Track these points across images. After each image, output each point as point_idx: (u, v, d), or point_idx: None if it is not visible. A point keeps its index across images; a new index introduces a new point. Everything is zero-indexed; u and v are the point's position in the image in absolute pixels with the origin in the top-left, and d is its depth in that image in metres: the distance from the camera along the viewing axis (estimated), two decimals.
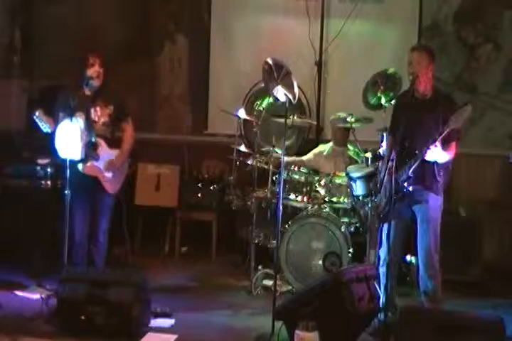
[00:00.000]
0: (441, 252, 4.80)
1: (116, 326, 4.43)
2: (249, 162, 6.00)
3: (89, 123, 5.28)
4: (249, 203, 6.09)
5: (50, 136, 5.07)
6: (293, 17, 7.14)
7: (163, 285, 5.65)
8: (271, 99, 6.35)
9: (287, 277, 5.63)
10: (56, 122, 5.10)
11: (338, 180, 5.77)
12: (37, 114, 5.06)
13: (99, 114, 5.35)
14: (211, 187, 6.81)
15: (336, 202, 5.80)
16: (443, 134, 4.41)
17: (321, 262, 5.56)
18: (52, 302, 4.78)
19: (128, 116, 5.53)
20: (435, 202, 4.71)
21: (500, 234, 6.72)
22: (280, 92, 4.91)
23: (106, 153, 5.34)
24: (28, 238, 5.89)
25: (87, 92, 5.34)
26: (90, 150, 5.23)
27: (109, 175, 5.36)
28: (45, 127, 5.08)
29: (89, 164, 5.24)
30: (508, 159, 6.16)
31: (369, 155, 5.58)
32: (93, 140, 5.27)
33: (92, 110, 5.33)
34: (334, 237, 5.56)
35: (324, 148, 6.39)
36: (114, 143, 5.42)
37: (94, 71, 5.28)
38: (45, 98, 5.35)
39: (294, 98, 5.17)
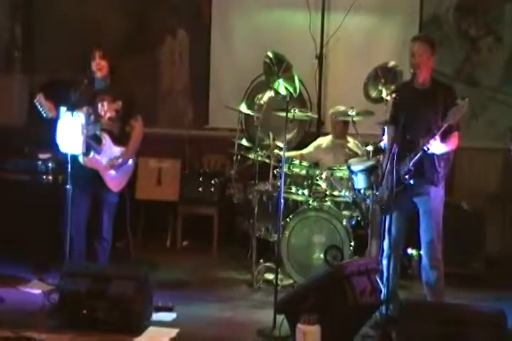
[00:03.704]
0: (444, 245, 4.80)
1: (117, 320, 4.43)
2: (250, 156, 6.01)
3: (95, 117, 5.28)
4: (250, 197, 6.10)
5: (52, 126, 5.05)
6: (293, 10, 7.13)
7: (164, 279, 5.65)
8: (272, 93, 6.34)
9: (289, 271, 5.63)
10: (58, 116, 5.09)
11: (339, 174, 5.77)
12: (37, 98, 5.05)
13: (106, 109, 5.33)
14: (212, 181, 6.81)
15: (337, 196, 5.80)
16: (441, 129, 4.41)
17: (322, 256, 5.56)
18: (54, 297, 4.77)
19: (137, 113, 5.48)
20: (437, 194, 4.71)
21: (502, 227, 6.72)
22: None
23: (109, 148, 5.32)
24: (30, 233, 5.89)
25: (96, 86, 5.34)
26: (93, 142, 5.21)
27: (112, 172, 5.34)
28: (45, 112, 5.06)
29: (90, 156, 5.23)
30: (510, 152, 6.16)
31: (370, 148, 5.58)
32: (97, 133, 5.27)
33: (99, 104, 5.32)
34: (335, 231, 5.56)
35: (323, 141, 6.39)
36: (122, 139, 5.40)
37: (95, 64, 5.29)
38: (47, 93, 5.33)
39: (295, 91, 5.17)
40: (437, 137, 4.43)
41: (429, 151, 4.50)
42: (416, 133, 4.59)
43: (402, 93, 4.79)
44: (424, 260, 4.79)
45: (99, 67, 5.30)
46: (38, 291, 5.21)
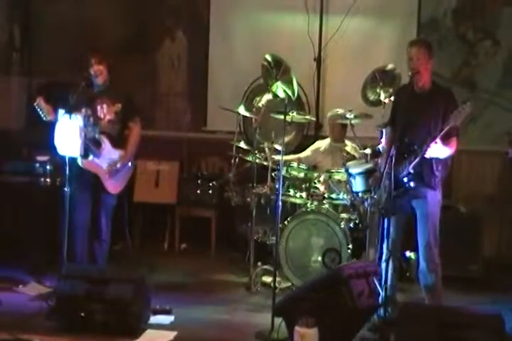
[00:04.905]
0: (442, 248, 4.80)
1: (115, 323, 4.42)
2: (248, 158, 6.01)
3: (95, 120, 5.28)
4: (248, 200, 6.10)
5: (50, 129, 5.05)
6: (292, 13, 7.14)
7: (162, 282, 5.65)
8: (270, 96, 6.35)
9: (286, 273, 5.63)
10: (56, 119, 5.09)
11: (337, 176, 5.77)
12: (37, 101, 5.06)
13: (105, 111, 5.34)
14: (210, 184, 6.81)
15: (335, 199, 5.80)
16: (443, 131, 4.40)
17: (320, 258, 5.56)
18: (51, 299, 4.77)
19: (136, 116, 5.50)
20: (434, 197, 4.71)
21: (500, 230, 6.73)
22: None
23: (108, 151, 5.32)
24: (28, 235, 5.89)
25: (94, 90, 5.36)
26: (92, 146, 5.21)
27: (111, 175, 5.34)
28: (44, 115, 5.07)
29: (89, 159, 5.23)
30: (507, 155, 6.17)
31: (368, 151, 5.59)
32: (96, 136, 5.27)
33: (98, 107, 5.33)
34: (333, 233, 5.56)
35: (321, 144, 6.39)
36: (120, 141, 5.40)
37: (93, 70, 5.31)
38: (45, 95, 5.34)
39: (293, 94, 5.17)
40: (438, 140, 4.43)
41: (429, 155, 4.50)
42: (415, 136, 4.59)
43: (401, 96, 4.80)
44: (422, 264, 4.78)
45: (98, 72, 5.31)
46: (35, 294, 5.21)
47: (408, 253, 5.94)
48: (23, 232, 5.91)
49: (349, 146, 6.18)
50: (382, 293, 4.54)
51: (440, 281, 4.76)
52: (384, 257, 4.74)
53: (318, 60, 7.05)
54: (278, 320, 4.46)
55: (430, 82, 4.74)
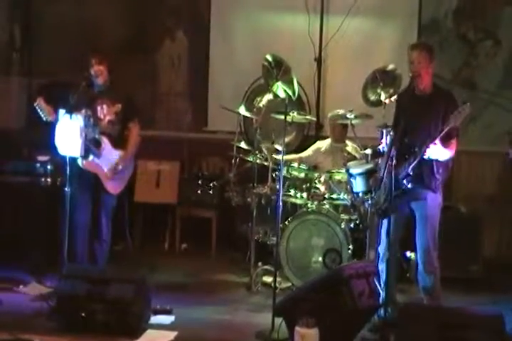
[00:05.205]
0: (442, 249, 4.79)
1: (116, 323, 4.43)
2: (249, 159, 6.01)
3: (95, 120, 5.28)
4: (249, 200, 6.10)
5: (50, 129, 5.05)
6: (292, 13, 7.14)
7: (163, 282, 5.65)
8: (271, 96, 6.35)
9: (287, 273, 5.63)
10: (57, 119, 5.09)
11: (337, 177, 5.77)
12: (37, 101, 5.07)
13: (105, 112, 5.36)
14: (211, 184, 6.82)
15: (335, 199, 5.80)
16: (442, 133, 4.41)
17: (320, 259, 5.56)
18: (52, 300, 4.77)
19: (135, 116, 5.51)
20: (434, 199, 4.70)
21: (500, 230, 6.73)
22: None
23: (108, 151, 5.33)
24: (28, 235, 5.89)
25: (95, 90, 5.36)
26: (92, 146, 5.21)
27: (111, 175, 5.34)
28: (44, 116, 5.07)
29: (89, 159, 5.23)
30: (508, 155, 6.17)
31: (369, 151, 5.59)
32: (96, 137, 5.27)
33: (98, 107, 5.34)
34: (334, 234, 5.56)
35: (322, 144, 6.40)
36: (120, 142, 5.41)
37: (94, 70, 5.32)
38: (46, 95, 5.34)
39: (294, 94, 5.18)
40: (438, 142, 4.43)
41: (428, 156, 4.50)
42: (416, 138, 4.58)
43: (402, 99, 4.80)
44: (420, 266, 4.77)
45: (99, 73, 5.32)
46: (36, 294, 5.21)
47: (408, 254, 5.94)
48: (23, 232, 5.92)
49: (350, 147, 6.18)
50: (382, 294, 4.54)
51: (439, 283, 4.76)
52: (382, 257, 4.74)
53: (319, 60, 7.05)
54: (278, 320, 4.46)
55: (431, 84, 4.74)
